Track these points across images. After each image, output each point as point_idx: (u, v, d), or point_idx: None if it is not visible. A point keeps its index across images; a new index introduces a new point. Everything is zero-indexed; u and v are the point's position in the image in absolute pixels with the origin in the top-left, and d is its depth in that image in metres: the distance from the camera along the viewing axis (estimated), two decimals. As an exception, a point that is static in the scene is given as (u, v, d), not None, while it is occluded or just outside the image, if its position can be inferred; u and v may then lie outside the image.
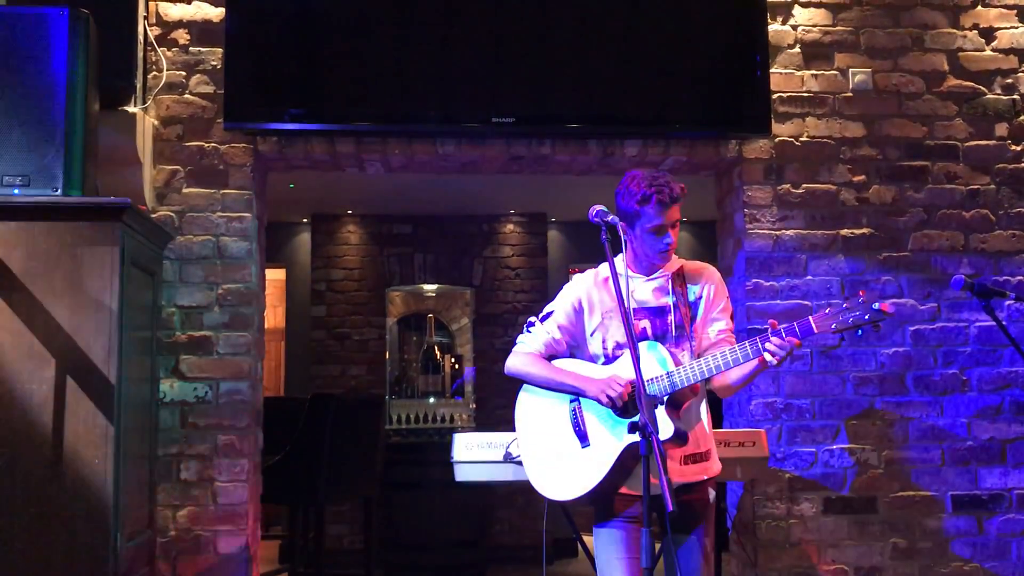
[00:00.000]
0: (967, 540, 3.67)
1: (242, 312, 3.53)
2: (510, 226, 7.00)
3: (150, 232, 3.21)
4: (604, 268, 2.66)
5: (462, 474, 3.20)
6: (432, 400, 7.44)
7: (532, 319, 2.71)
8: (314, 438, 4.82)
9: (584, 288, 2.65)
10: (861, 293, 2.39)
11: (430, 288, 7.56)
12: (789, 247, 3.73)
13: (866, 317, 2.35)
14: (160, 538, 3.39)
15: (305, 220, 7.11)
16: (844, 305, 2.38)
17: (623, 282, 2.43)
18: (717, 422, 4.04)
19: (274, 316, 7.84)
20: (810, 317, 2.39)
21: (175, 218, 3.55)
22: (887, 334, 3.71)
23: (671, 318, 2.56)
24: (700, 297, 2.62)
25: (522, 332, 2.70)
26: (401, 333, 8.13)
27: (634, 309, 2.57)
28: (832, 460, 3.66)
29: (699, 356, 2.58)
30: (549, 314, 2.67)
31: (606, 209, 2.48)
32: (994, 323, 3.14)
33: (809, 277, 3.73)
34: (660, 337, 2.55)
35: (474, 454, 3.21)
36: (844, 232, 3.76)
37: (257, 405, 3.64)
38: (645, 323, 2.56)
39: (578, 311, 2.63)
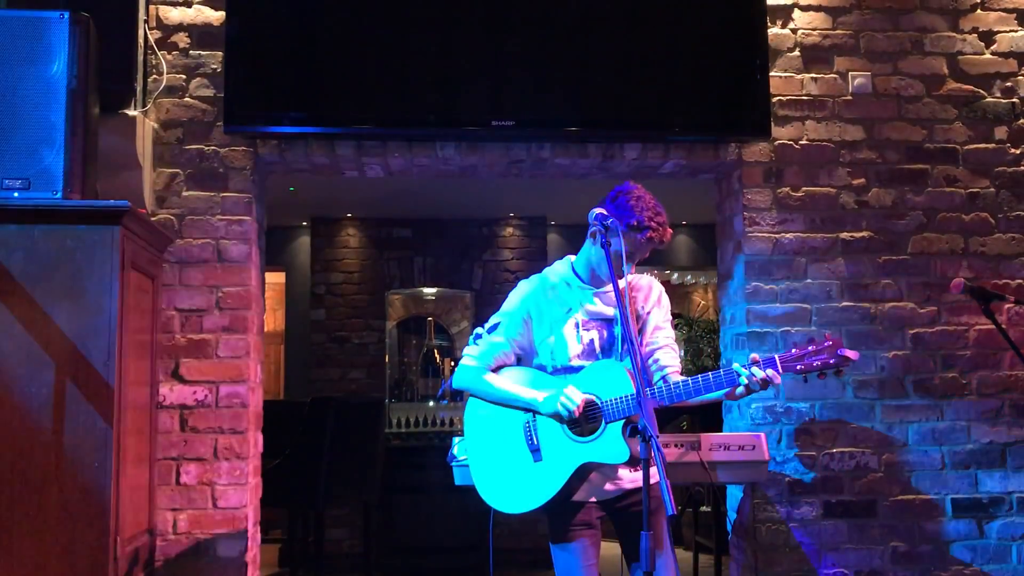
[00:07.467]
0: (967, 544, 3.67)
1: (242, 315, 3.53)
2: (510, 229, 7.00)
3: (150, 235, 3.21)
4: (551, 274, 2.67)
5: (462, 477, 3.20)
6: (432, 403, 7.45)
7: (479, 330, 2.68)
8: (314, 441, 4.82)
9: (531, 296, 2.63)
10: (827, 336, 2.40)
11: (430, 291, 7.56)
12: (789, 250, 3.73)
13: (831, 362, 2.36)
14: (159, 541, 3.39)
15: (305, 223, 7.12)
16: (810, 348, 2.39)
17: (621, 285, 2.42)
18: (716, 426, 4.04)
19: (274, 319, 7.85)
20: (775, 356, 2.40)
21: (175, 221, 3.55)
22: (887, 338, 3.70)
23: (618, 330, 2.57)
24: (650, 310, 2.64)
25: (468, 344, 2.68)
26: (401, 336, 8.14)
27: (583, 320, 2.58)
28: (832, 464, 3.65)
29: (645, 360, 2.60)
30: (496, 324, 2.64)
31: (606, 213, 2.48)
32: (994, 326, 3.14)
33: (809, 280, 3.73)
34: (607, 348, 2.57)
35: (474, 457, 3.20)
36: (844, 235, 3.76)
37: (257, 408, 3.64)
38: (593, 334, 2.57)
39: (526, 320, 2.61)
